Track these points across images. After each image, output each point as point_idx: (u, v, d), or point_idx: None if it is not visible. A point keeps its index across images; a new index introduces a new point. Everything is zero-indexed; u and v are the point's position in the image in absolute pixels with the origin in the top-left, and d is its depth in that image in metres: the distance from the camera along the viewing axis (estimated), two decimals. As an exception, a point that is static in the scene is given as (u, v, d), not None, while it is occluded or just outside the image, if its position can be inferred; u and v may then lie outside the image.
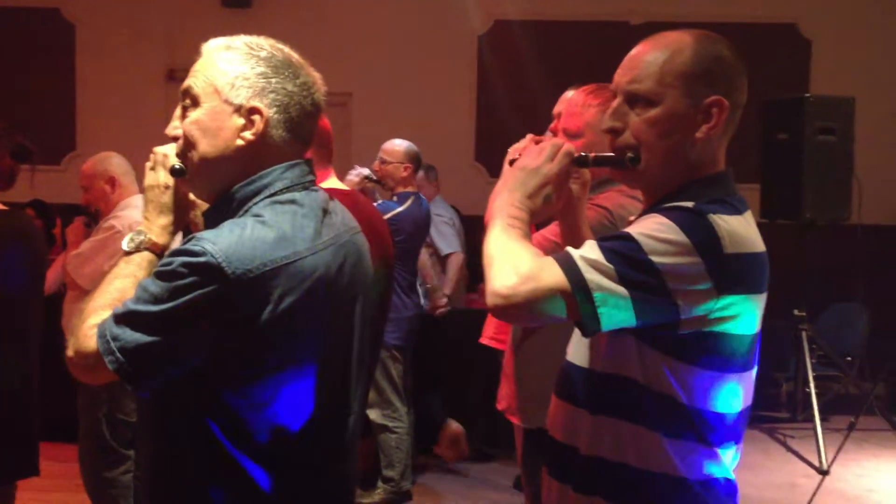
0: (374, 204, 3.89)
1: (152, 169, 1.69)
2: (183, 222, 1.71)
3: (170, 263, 1.47)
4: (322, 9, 6.66)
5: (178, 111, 1.66)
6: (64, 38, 6.76)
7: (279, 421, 1.53)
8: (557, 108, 2.52)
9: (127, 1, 6.79)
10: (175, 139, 1.65)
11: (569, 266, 1.43)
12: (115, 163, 3.78)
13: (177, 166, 1.64)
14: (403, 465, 4.39)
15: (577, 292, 1.42)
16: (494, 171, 6.41)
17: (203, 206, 1.70)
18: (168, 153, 1.67)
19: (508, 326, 2.61)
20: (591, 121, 2.34)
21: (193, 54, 5.61)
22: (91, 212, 3.79)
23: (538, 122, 2.65)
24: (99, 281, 3.25)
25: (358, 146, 6.13)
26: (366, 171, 4.30)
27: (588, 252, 1.45)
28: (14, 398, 2.89)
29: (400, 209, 4.29)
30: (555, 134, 2.43)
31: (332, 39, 6.23)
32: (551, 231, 2.20)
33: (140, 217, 3.50)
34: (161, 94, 6.84)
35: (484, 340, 2.99)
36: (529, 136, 1.76)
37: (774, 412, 6.08)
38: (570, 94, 2.50)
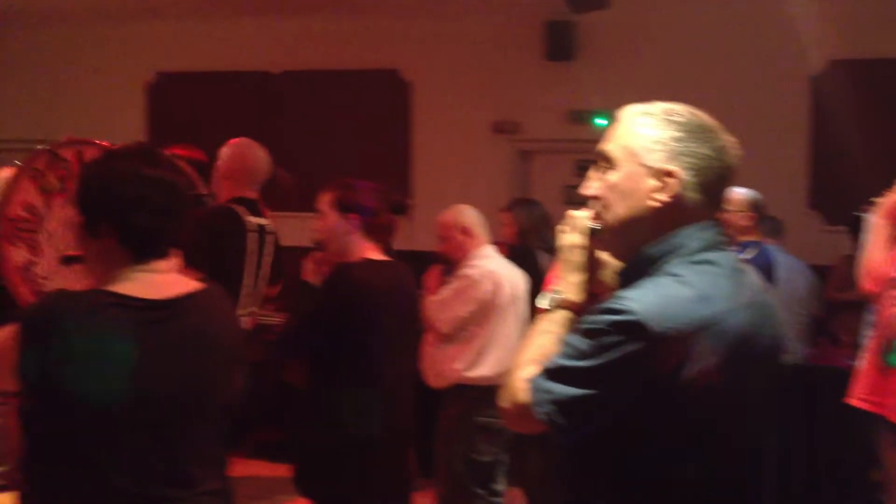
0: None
1: (566, 230, 1.79)
2: (594, 281, 1.79)
3: (596, 322, 1.55)
4: (646, 60, 6.70)
5: (593, 172, 1.74)
6: (400, 97, 7.30)
7: (688, 480, 1.56)
8: None
9: (458, 59, 7.20)
10: (589, 198, 1.73)
11: None
12: (469, 214, 4.03)
13: (592, 226, 1.72)
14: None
15: None
16: (832, 219, 6.11)
17: (611, 264, 1.78)
18: (581, 215, 1.76)
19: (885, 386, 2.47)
20: None
21: (518, 108, 5.83)
22: (447, 260, 4.05)
23: (883, 167, 2.50)
24: (457, 326, 3.45)
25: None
26: None
27: None
28: (394, 429, 3.14)
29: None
30: None
31: (656, 87, 6.24)
32: None
33: (492, 266, 3.70)
34: (488, 147, 7.17)
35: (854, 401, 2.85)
36: None
37: None
38: None
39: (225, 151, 4.15)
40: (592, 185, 1.72)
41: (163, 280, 1.97)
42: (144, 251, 1.95)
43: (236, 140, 4.22)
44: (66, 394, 1.83)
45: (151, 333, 1.89)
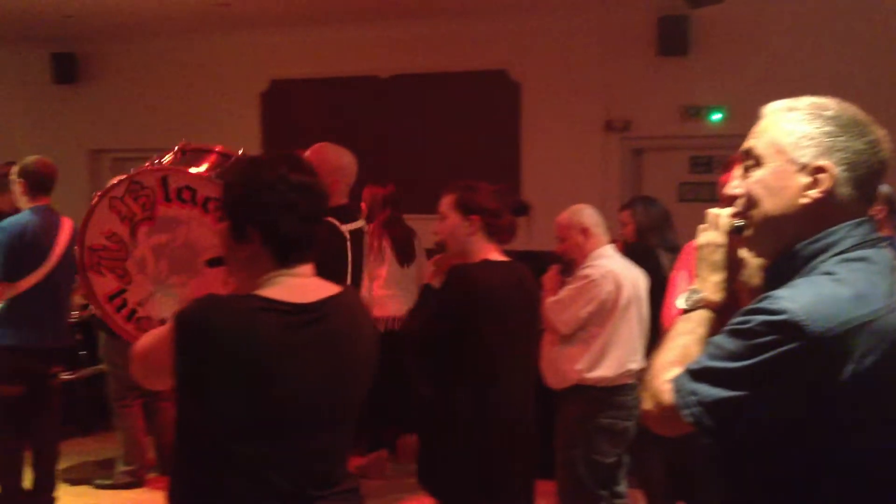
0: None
1: (706, 229, 1.76)
2: (734, 280, 1.75)
3: (747, 322, 1.51)
4: (761, 53, 6.54)
5: (737, 171, 1.71)
6: (510, 97, 7.31)
7: (842, 482, 1.52)
8: None
9: (567, 57, 7.17)
10: (733, 198, 1.70)
11: None
12: (588, 214, 3.99)
13: (737, 224, 1.69)
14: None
15: None
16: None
17: (752, 263, 1.74)
18: (721, 213, 1.73)
19: None
20: None
21: (630, 105, 5.73)
22: (566, 260, 4.03)
23: None
24: (577, 327, 3.42)
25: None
26: None
27: None
28: (516, 430, 3.14)
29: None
30: None
31: (771, 81, 6.10)
32: None
33: (612, 266, 3.65)
34: (598, 145, 7.11)
35: None
36: None
37: None
38: None
39: (307, 158, 4.10)
40: (737, 183, 1.69)
41: (305, 284, 2.02)
42: (289, 256, 2.00)
43: (316, 146, 3.99)
44: (216, 395, 1.89)
45: (298, 336, 1.94)
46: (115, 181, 3.35)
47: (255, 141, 7.93)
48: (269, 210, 1.96)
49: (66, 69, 8.67)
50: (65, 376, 5.29)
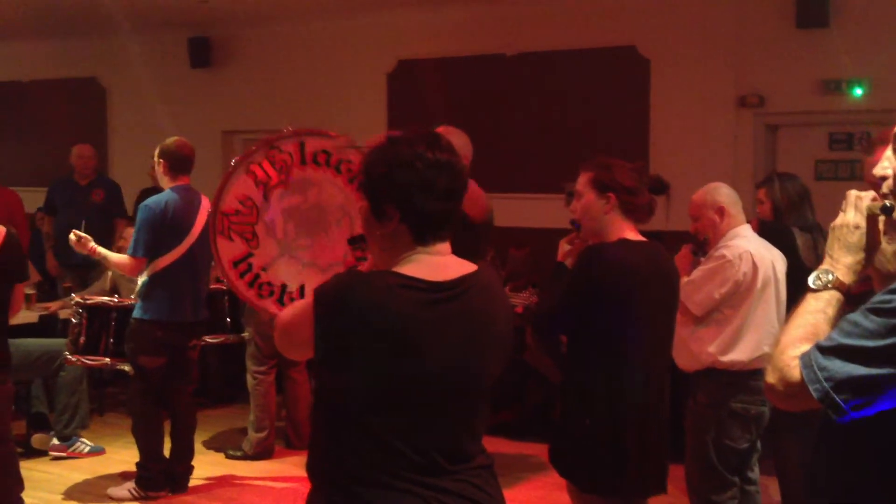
0: None
1: (843, 210, 1.70)
2: (869, 263, 1.70)
3: (890, 301, 1.49)
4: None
5: (888, 152, 1.65)
6: (639, 73, 7.16)
7: None
8: None
9: (699, 32, 6.98)
10: (882, 178, 1.64)
11: None
12: (724, 193, 3.88)
13: (888, 204, 1.63)
14: None
15: None
16: None
17: (888, 250, 1.68)
18: (863, 195, 1.68)
19: None
20: None
21: (765, 79, 5.47)
22: (699, 240, 3.93)
23: None
24: (710, 308, 3.32)
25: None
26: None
27: None
28: (649, 412, 3.09)
29: None
30: None
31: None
32: None
33: (749, 246, 3.54)
34: (730, 121, 6.90)
35: None
36: None
37: None
38: None
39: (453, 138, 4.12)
40: (887, 164, 1.63)
41: (443, 262, 2.03)
42: (427, 234, 2.01)
43: (441, 128, 3.99)
44: (355, 368, 1.93)
45: (435, 313, 1.95)
46: (253, 147, 3.46)
47: (381, 121, 8.03)
48: (407, 189, 1.97)
49: (202, 53, 8.96)
50: (210, 340, 5.50)
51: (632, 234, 3.09)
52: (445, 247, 2.05)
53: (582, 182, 3.12)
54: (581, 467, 3.10)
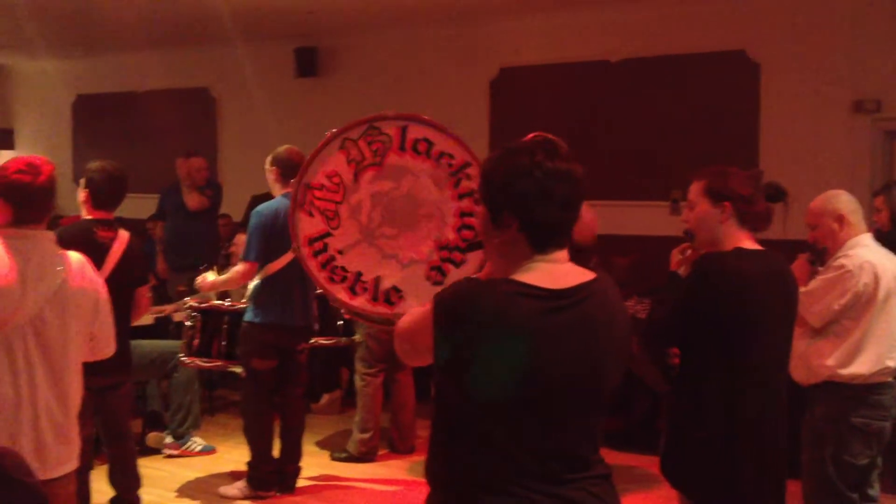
0: None
1: None
2: None
3: None
4: None
5: None
6: (748, 78, 7.00)
7: None
8: None
9: (812, 35, 6.79)
10: None
11: None
12: (844, 200, 3.76)
13: None
14: None
15: None
16: None
17: None
18: None
19: None
20: None
21: (882, 84, 5.26)
22: (817, 249, 3.81)
23: None
24: (829, 320, 3.20)
25: None
26: None
27: None
28: (766, 426, 3.01)
29: None
30: None
31: None
32: None
33: (870, 256, 3.41)
34: (845, 127, 6.69)
35: None
36: None
37: None
38: None
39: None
40: None
41: (562, 269, 2.03)
42: (545, 242, 2.01)
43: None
44: (474, 376, 1.93)
45: (554, 321, 1.94)
46: (352, 123, 3.29)
47: (483, 129, 8.05)
48: (525, 197, 1.97)
49: (308, 63, 9.15)
50: (323, 342, 5.58)
51: (748, 244, 3.02)
52: (563, 254, 2.04)
53: (695, 191, 3.06)
54: (694, 480, 3.04)
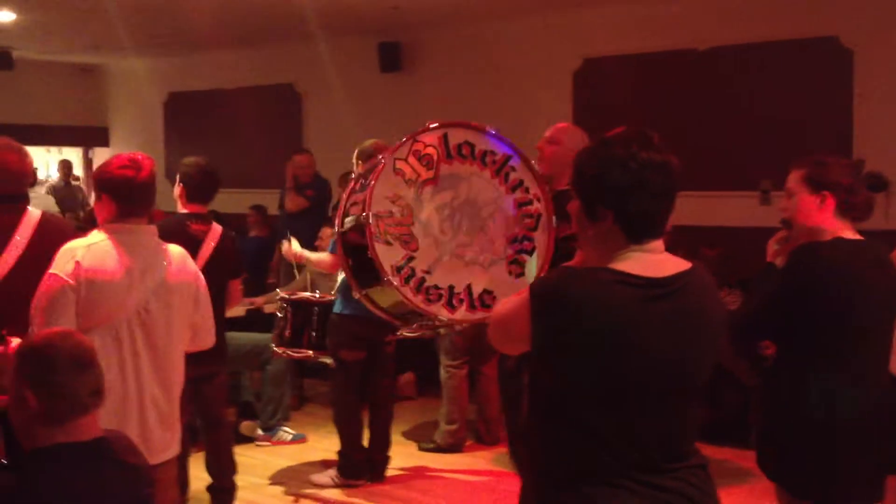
0: None
1: None
2: None
3: None
4: None
5: None
6: (842, 65, 6.80)
7: None
8: None
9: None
10: None
11: None
12: (947, 189, 3.65)
13: None
14: None
15: None
16: None
17: None
18: None
19: None
20: None
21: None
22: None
23: None
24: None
25: None
26: None
27: None
28: (866, 421, 2.94)
29: None
30: None
31: None
32: None
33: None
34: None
35: None
36: None
37: None
38: None
39: (569, 135, 3.95)
40: None
41: (658, 259, 2.03)
42: (641, 233, 2.01)
43: (564, 125, 4.12)
44: (571, 364, 1.95)
45: (651, 310, 1.95)
46: (398, 144, 3.36)
47: (566, 120, 7.99)
48: (619, 189, 1.97)
49: (392, 58, 9.21)
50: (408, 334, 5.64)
51: (849, 234, 2.95)
52: (659, 244, 2.04)
53: (793, 180, 3.00)
54: (793, 473, 2.99)
